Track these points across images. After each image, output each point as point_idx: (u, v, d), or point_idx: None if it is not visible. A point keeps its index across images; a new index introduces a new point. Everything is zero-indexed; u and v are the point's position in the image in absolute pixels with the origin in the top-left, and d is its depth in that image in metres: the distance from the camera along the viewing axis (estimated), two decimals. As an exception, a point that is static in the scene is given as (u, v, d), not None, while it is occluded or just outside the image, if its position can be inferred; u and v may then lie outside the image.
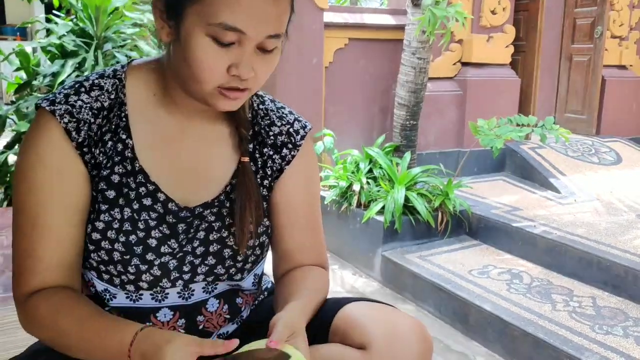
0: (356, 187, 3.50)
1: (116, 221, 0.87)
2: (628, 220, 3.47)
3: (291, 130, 1.01)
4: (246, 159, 0.94)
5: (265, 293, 1.08)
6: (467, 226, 3.56)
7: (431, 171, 3.70)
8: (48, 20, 3.61)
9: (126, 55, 3.18)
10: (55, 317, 0.82)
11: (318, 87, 4.01)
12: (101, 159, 0.86)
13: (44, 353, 0.87)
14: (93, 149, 0.86)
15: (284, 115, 1.02)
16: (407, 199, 3.34)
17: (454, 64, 4.48)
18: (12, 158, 3.22)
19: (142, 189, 0.89)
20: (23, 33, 11.48)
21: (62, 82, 2.95)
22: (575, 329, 2.42)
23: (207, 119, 0.94)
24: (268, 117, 1.01)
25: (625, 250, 2.94)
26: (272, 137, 0.99)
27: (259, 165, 0.98)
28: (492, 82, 4.51)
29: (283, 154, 0.99)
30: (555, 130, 3.32)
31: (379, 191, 3.48)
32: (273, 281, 1.09)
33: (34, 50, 3.65)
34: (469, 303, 2.71)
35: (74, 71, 3.01)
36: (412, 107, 3.70)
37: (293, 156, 1.00)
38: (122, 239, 0.86)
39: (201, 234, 0.92)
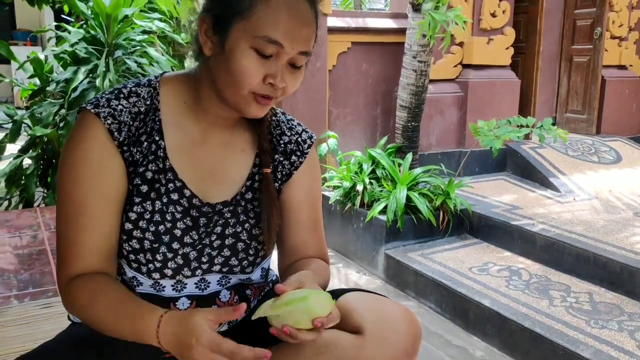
0: (359, 187, 3.60)
1: (147, 212, 0.98)
2: (625, 218, 3.55)
3: (299, 139, 1.14)
4: (268, 171, 1.07)
5: (271, 284, 1.19)
6: (468, 225, 3.65)
7: (433, 171, 3.79)
8: (58, 27, 3.73)
9: (135, 62, 3.30)
10: (92, 301, 0.92)
11: (322, 91, 4.11)
12: (137, 157, 0.98)
13: (52, 352, 0.98)
14: (131, 148, 0.97)
15: (293, 127, 1.15)
16: (409, 198, 3.43)
17: (455, 66, 4.57)
18: (27, 162, 3.34)
19: (171, 185, 1.00)
20: (33, 38, 11.64)
21: (75, 88, 3.07)
22: (572, 323, 2.51)
23: (227, 128, 1.06)
24: (279, 128, 1.13)
25: (621, 248, 3.02)
26: (282, 145, 1.12)
27: (271, 170, 1.10)
28: (492, 84, 4.60)
29: (292, 160, 1.12)
30: (553, 130, 3.40)
31: (381, 191, 3.57)
32: (278, 274, 1.19)
33: (46, 57, 3.77)
34: (469, 299, 2.80)
35: (86, 77, 3.13)
36: (413, 109, 3.79)
37: (301, 162, 1.12)
38: (152, 228, 0.97)
39: (218, 229, 1.04)
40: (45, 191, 3.37)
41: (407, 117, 3.82)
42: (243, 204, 1.06)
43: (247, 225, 1.06)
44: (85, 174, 0.94)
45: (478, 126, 3.57)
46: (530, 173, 4.42)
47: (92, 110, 0.96)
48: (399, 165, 3.72)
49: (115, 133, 0.96)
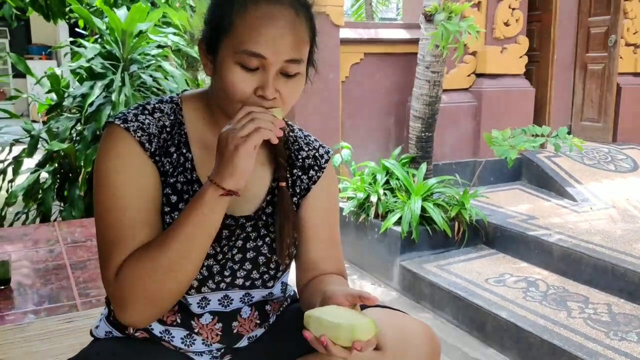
0: (373, 198, 3.59)
1: None
2: (644, 227, 3.51)
3: (317, 154, 1.15)
4: (284, 184, 1.08)
5: (289, 300, 1.20)
6: (483, 235, 3.62)
7: (447, 182, 3.78)
8: (74, 43, 3.79)
9: (151, 76, 3.33)
10: (144, 249, 0.93)
11: (335, 102, 4.12)
12: (168, 167, 1.00)
13: (95, 356, 0.98)
14: (162, 158, 1.00)
15: (310, 142, 1.16)
16: (423, 209, 3.41)
17: (469, 75, 4.56)
18: (44, 176, 3.39)
19: None
20: (49, 52, 11.82)
21: (92, 103, 3.11)
22: (591, 335, 2.47)
23: None
24: (297, 143, 1.15)
25: (640, 258, 2.98)
26: (300, 160, 1.13)
27: (289, 184, 1.11)
28: (506, 93, 4.58)
29: (310, 175, 1.13)
30: (568, 139, 3.38)
31: (395, 202, 3.57)
32: (295, 290, 1.20)
33: (62, 73, 3.82)
34: (485, 311, 2.78)
35: (102, 92, 3.17)
36: (427, 119, 3.79)
37: (319, 177, 1.13)
38: None
39: (239, 243, 1.05)
40: (62, 205, 3.40)
41: (420, 128, 3.81)
42: (264, 218, 1.07)
43: (267, 239, 1.07)
44: (122, 180, 0.96)
45: (493, 136, 3.56)
46: (546, 182, 4.38)
47: (122, 125, 0.98)
48: (413, 175, 3.71)
49: (147, 144, 0.98)
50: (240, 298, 1.08)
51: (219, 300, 1.06)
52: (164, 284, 0.92)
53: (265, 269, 1.07)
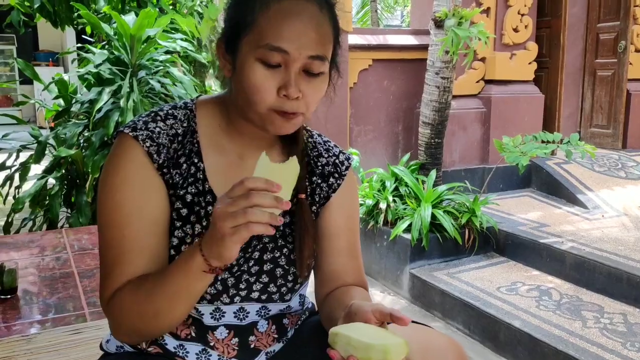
0: (383, 205, 3.56)
1: (188, 236, 0.96)
2: (657, 235, 3.45)
3: (337, 161, 1.10)
4: (303, 196, 1.02)
5: (307, 313, 1.15)
6: (494, 243, 3.58)
7: (457, 188, 3.74)
8: (81, 49, 3.78)
9: (159, 82, 3.31)
10: (134, 289, 0.90)
11: (343, 108, 4.09)
12: (177, 179, 0.96)
13: None
14: (171, 170, 0.95)
15: (330, 148, 1.12)
16: (433, 216, 3.37)
17: (478, 81, 4.53)
18: (51, 182, 3.36)
19: (210, 208, 0.97)
20: (56, 59, 11.86)
21: (100, 109, 3.09)
22: (607, 346, 2.42)
23: (263, 148, 1.01)
24: (316, 150, 1.10)
25: (655, 266, 2.93)
26: (320, 167, 1.08)
27: (308, 194, 1.06)
28: (515, 99, 4.55)
29: (330, 183, 1.08)
30: (580, 146, 3.34)
31: (405, 209, 3.53)
32: (313, 302, 1.16)
33: (70, 78, 3.81)
34: (498, 320, 2.73)
35: (110, 98, 3.15)
36: (436, 126, 3.75)
37: (339, 185, 1.09)
38: None
39: (256, 254, 1.00)
40: (70, 212, 3.38)
41: (430, 134, 3.78)
42: (281, 228, 1.03)
43: (285, 250, 1.03)
44: (126, 197, 0.92)
45: (503, 142, 3.52)
46: (556, 189, 4.33)
47: (130, 134, 0.94)
48: (423, 182, 3.67)
49: (155, 155, 0.94)
50: (257, 311, 1.03)
51: (234, 312, 1.02)
52: (151, 324, 0.91)
53: (283, 282, 1.03)
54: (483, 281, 3.18)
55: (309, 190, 1.06)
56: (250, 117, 0.94)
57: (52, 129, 3.48)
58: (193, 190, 0.97)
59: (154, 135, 0.95)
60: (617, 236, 3.43)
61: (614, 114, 4.99)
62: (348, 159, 1.12)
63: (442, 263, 3.44)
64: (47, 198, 3.28)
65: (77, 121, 3.38)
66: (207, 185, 0.98)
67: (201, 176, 0.98)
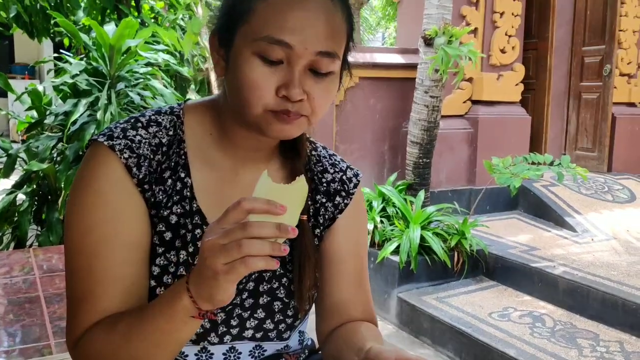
0: (370, 226, 3.43)
1: (172, 264, 0.81)
2: (649, 260, 3.39)
3: (344, 177, 0.97)
4: (304, 217, 0.87)
5: (306, 352, 0.99)
6: (483, 266, 3.47)
7: (445, 210, 3.64)
8: (59, 59, 3.62)
9: (139, 94, 3.17)
10: (106, 330, 0.75)
11: (329, 125, 3.99)
12: (160, 197, 0.81)
13: None
14: (154, 187, 0.81)
15: (337, 163, 0.98)
16: (422, 238, 3.27)
17: (464, 101, 4.47)
18: (20, 197, 3.18)
19: (198, 231, 0.83)
20: (31, 72, 11.59)
21: (75, 121, 2.93)
22: (606, 376, 2.32)
23: (261, 162, 0.89)
24: (321, 164, 0.96)
25: (650, 292, 2.85)
26: (325, 185, 0.95)
27: (311, 213, 0.92)
28: (502, 120, 4.50)
29: (336, 202, 0.95)
30: (572, 168, 3.27)
31: (393, 230, 3.41)
32: (312, 338, 1.02)
33: (45, 89, 3.65)
34: (491, 348, 2.61)
35: (86, 110, 3.00)
36: (425, 145, 3.67)
37: (346, 204, 0.95)
38: None
39: (251, 285, 0.87)
40: (40, 229, 3.19)
41: (418, 154, 3.69)
42: None
43: (284, 280, 0.88)
44: (98, 218, 0.78)
45: (493, 163, 3.44)
46: (544, 212, 4.27)
47: (106, 143, 0.79)
48: (411, 203, 3.56)
49: (134, 169, 0.79)
50: (250, 351, 0.89)
51: (223, 354, 0.87)
52: (134, 348, 0.75)
53: (281, 317, 0.89)
54: (474, 306, 3.07)
55: (311, 210, 0.92)
56: (245, 120, 0.79)
57: (24, 141, 3.30)
58: (178, 210, 0.82)
59: (134, 145, 0.80)
60: (608, 260, 3.36)
61: (599, 137, 4.98)
62: (356, 175, 0.98)
63: (431, 287, 3.32)
64: (16, 215, 3.09)
65: (50, 134, 3.22)
66: (194, 205, 0.83)
67: (188, 193, 0.83)
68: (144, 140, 0.81)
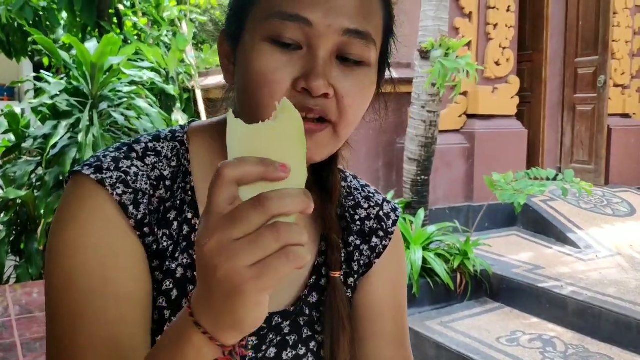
0: (368, 248, 3.28)
1: None
2: (657, 277, 3.28)
3: (381, 213, 0.79)
4: (337, 274, 0.71)
5: None
6: (487, 288, 3.33)
7: (445, 229, 3.50)
8: (39, 79, 3.44)
9: (123, 115, 3.00)
10: None
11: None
12: (166, 244, 0.64)
13: None
14: (157, 231, 0.64)
15: (371, 195, 0.81)
16: (424, 260, 3.12)
17: (460, 116, 4.36)
18: (-3, 227, 2.98)
19: None
20: (11, 93, 11.33)
21: (55, 145, 2.76)
22: (628, 406, 2.18)
23: None
24: (352, 198, 0.79)
25: (664, 312, 2.73)
26: (358, 223, 0.78)
27: (343, 259, 0.75)
28: (499, 134, 4.39)
29: (373, 244, 0.78)
30: (577, 183, 3.16)
31: (392, 252, 3.26)
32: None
33: (23, 111, 3.46)
34: (504, 377, 2.46)
35: (67, 132, 2.83)
36: (423, 162, 3.54)
37: (385, 246, 0.78)
38: None
39: (272, 352, 0.70)
40: (18, 260, 2.99)
41: (416, 171, 3.55)
42: (307, 311, 0.72)
43: (313, 344, 0.72)
44: (81, 266, 0.60)
45: (494, 179, 3.32)
46: (544, 228, 4.15)
47: (93, 176, 0.62)
48: (411, 222, 3.42)
49: (131, 207, 0.62)
50: None
51: None
52: None
53: None
54: (480, 331, 2.92)
55: (344, 254, 0.75)
56: None
57: (0, 167, 3.11)
58: (185, 261, 0.65)
59: (129, 178, 0.63)
60: (616, 278, 3.24)
61: (595, 150, 4.90)
62: (394, 210, 0.81)
63: (434, 311, 3.17)
64: (-8, 246, 2.89)
65: (29, 158, 3.03)
66: None
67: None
68: (140, 173, 0.64)
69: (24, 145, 3.08)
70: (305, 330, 0.72)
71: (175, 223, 0.65)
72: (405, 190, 3.63)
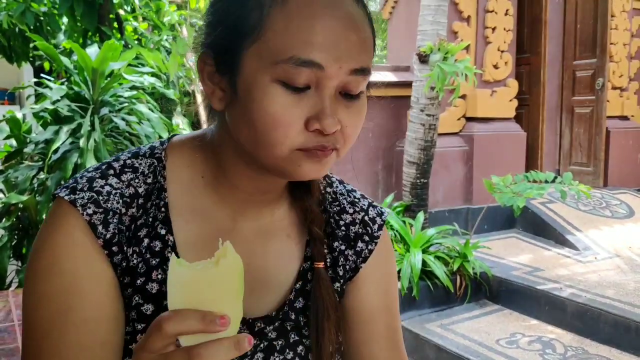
0: (368, 251, 3.30)
1: None
2: (656, 278, 3.29)
3: (366, 218, 0.80)
4: (321, 265, 0.73)
5: None
6: (487, 290, 3.35)
7: (445, 231, 3.52)
8: (40, 84, 3.46)
9: (123, 119, 3.01)
10: None
11: (322, 147, 3.87)
12: (136, 262, 0.67)
13: None
14: (125, 248, 0.66)
15: (357, 200, 0.82)
16: (423, 262, 3.14)
17: (459, 119, 4.38)
18: (-1, 232, 2.99)
19: None
20: (11, 97, 11.34)
21: (56, 150, 2.77)
22: (627, 407, 2.20)
23: (265, 206, 0.74)
24: (337, 203, 0.80)
25: (663, 314, 2.74)
26: (343, 228, 0.79)
27: (329, 264, 0.77)
28: (497, 137, 4.41)
29: (358, 249, 0.79)
30: (575, 186, 3.18)
31: (392, 255, 3.28)
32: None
33: (24, 116, 3.48)
34: (504, 379, 2.48)
35: (68, 137, 2.83)
36: (422, 165, 3.56)
37: (370, 251, 0.79)
38: None
39: (259, 356, 0.71)
40: (20, 265, 3.00)
41: (415, 174, 3.57)
42: (293, 316, 0.74)
43: (300, 348, 0.73)
44: (49, 291, 0.63)
45: (493, 182, 3.34)
46: (543, 230, 4.17)
47: (67, 197, 0.65)
48: (410, 225, 3.44)
49: (100, 227, 0.64)
50: None
51: None
52: None
53: None
54: (480, 333, 2.93)
55: (329, 259, 0.77)
56: (263, 163, 0.64)
57: (1, 172, 3.12)
58: (159, 277, 0.67)
59: (101, 198, 0.65)
60: (615, 280, 3.25)
61: (594, 152, 4.91)
62: (380, 214, 0.82)
63: (434, 313, 3.18)
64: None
65: (30, 163, 3.04)
66: None
67: (169, 255, 0.67)
68: (114, 192, 0.66)
69: (25, 150, 3.09)
70: (293, 335, 0.73)
71: (146, 240, 0.67)
72: (404, 193, 3.65)
